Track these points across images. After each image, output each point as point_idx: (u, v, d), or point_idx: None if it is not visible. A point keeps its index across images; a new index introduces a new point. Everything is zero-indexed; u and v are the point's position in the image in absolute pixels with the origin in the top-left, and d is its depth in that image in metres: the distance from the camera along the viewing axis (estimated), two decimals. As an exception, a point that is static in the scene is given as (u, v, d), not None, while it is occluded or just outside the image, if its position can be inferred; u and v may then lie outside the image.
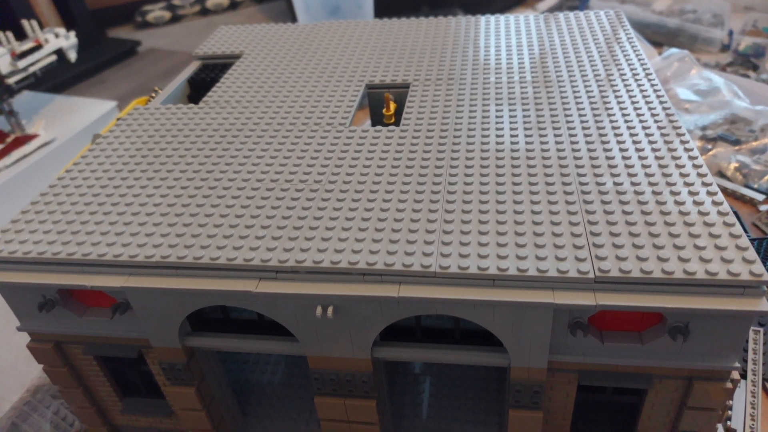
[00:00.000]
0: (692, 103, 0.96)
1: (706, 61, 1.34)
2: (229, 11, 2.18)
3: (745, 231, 0.75)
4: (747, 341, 0.62)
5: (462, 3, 1.69)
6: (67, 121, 1.29)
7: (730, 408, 0.56)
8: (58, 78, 1.65)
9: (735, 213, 0.78)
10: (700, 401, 0.43)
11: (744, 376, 0.59)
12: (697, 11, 1.50)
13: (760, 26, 1.44)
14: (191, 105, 0.64)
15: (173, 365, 0.49)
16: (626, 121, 0.54)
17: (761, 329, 0.62)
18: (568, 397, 0.46)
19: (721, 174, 0.85)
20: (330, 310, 0.41)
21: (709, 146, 0.89)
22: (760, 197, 0.80)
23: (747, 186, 0.83)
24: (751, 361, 0.60)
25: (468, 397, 0.58)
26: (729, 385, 0.42)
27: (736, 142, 0.88)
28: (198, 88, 0.74)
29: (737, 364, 0.41)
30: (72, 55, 1.30)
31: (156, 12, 2.10)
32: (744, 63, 1.34)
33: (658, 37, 1.45)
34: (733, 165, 0.84)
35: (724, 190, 0.83)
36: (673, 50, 1.12)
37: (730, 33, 1.42)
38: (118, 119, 0.64)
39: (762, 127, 0.89)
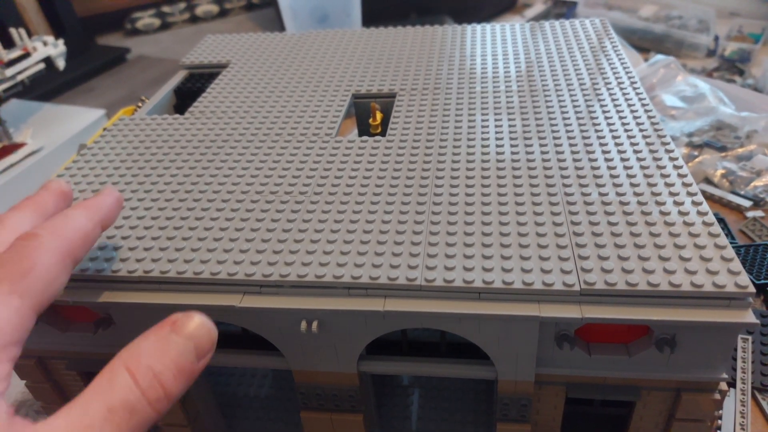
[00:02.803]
0: (678, 109, 0.97)
1: (693, 66, 1.35)
2: (218, 18, 2.18)
3: (733, 238, 0.76)
4: (735, 349, 0.62)
5: (450, 10, 1.70)
6: (55, 129, 1.28)
7: (720, 417, 0.56)
8: (47, 86, 1.64)
9: (722, 220, 0.78)
10: (688, 413, 0.43)
11: (733, 384, 0.59)
12: (683, 17, 1.51)
13: (745, 32, 1.46)
14: (177, 115, 0.64)
15: (157, 381, 0.48)
16: (611, 131, 0.54)
17: (749, 337, 0.62)
18: (556, 409, 0.46)
19: (707, 181, 0.86)
20: (315, 324, 0.41)
21: (696, 153, 0.89)
22: (747, 203, 0.81)
23: (733, 192, 0.83)
24: (740, 370, 0.60)
25: (457, 409, 0.57)
26: (717, 396, 0.42)
27: (723, 149, 0.89)
28: (184, 97, 0.73)
29: (725, 375, 0.41)
30: (60, 63, 1.29)
31: (145, 19, 2.09)
32: (730, 68, 1.35)
33: (645, 43, 1.47)
34: (720, 172, 0.85)
35: (711, 197, 0.83)
36: (659, 57, 1.13)
37: (716, 38, 1.43)
38: (104, 129, 0.64)
39: (747, 133, 0.89)
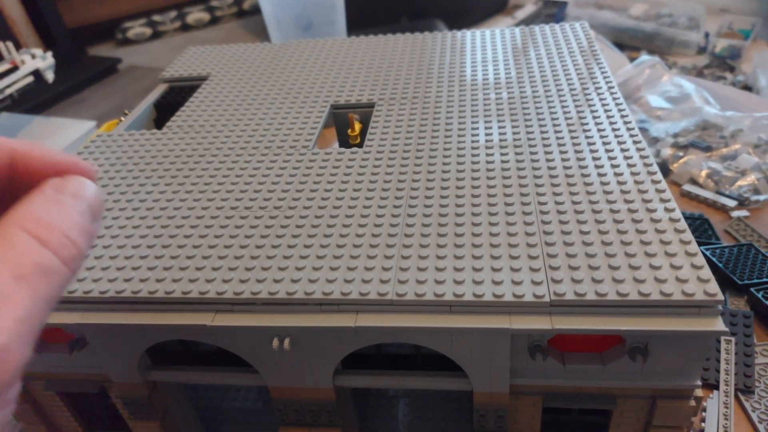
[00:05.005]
0: (664, 110, 0.97)
1: (684, 63, 1.35)
2: (209, 26, 2.18)
3: (717, 238, 0.76)
4: (719, 351, 0.62)
5: (442, 12, 1.70)
6: (46, 142, 1.28)
7: (703, 420, 0.56)
8: (38, 98, 1.64)
9: (707, 220, 0.78)
10: (664, 420, 0.43)
11: (716, 386, 0.59)
12: (673, 15, 1.51)
13: (735, 28, 1.46)
14: (154, 130, 0.64)
15: (135, 400, 0.48)
16: (587, 137, 0.54)
17: (732, 338, 0.62)
18: (534, 419, 0.46)
19: (693, 181, 0.86)
20: (287, 341, 0.41)
21: (681, 153, 0.89)
22: (732, 203, 0.81)
23: (718, 192, 0.83)
24: (723, 372, 0.60)
25: (441, 418, 0.57)
26: (692, 402, 0.42)
27: (708, 149, 0.89)
28: (164, 111, 0.73)
29: (699, 382, 0.41)
30: (49, 76, 1.29)
31: (136, 29, 2.09)
32: (720, 65, 1.35)
33: (635, 41, 1.47)
34: (705, 172, 0.85)
35: (696, 197, 0.83)
36: (644, 57, 1.13)
37: (706, 35, 1.43)
38: (84, 147, 0.64)
39: (732, 133, 0.89)
